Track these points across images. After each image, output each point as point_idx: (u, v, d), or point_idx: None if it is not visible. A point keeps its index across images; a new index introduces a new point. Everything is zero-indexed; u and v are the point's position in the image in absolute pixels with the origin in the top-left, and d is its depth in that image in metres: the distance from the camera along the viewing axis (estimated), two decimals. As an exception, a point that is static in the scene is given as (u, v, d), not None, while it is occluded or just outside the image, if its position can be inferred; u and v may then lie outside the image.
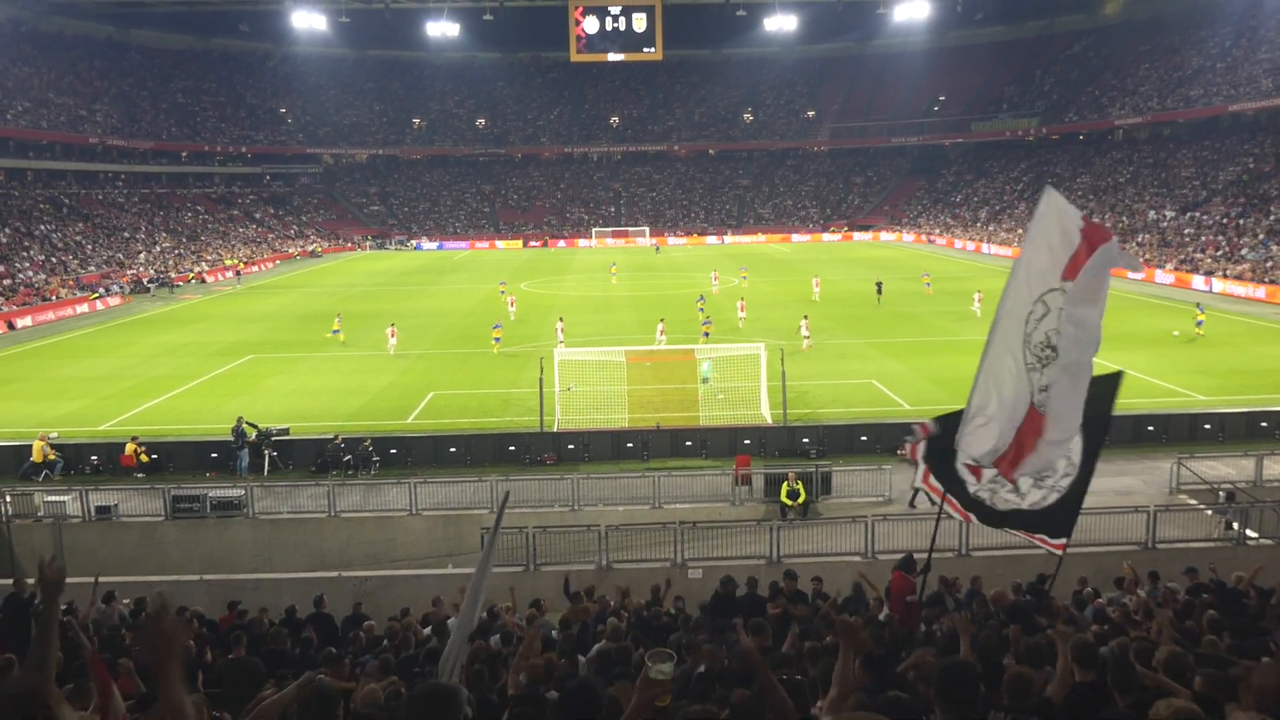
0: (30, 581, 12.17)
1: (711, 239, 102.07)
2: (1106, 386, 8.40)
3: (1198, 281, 55.11)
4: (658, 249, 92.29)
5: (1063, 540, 8.65)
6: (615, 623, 10.92)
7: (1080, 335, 7.15)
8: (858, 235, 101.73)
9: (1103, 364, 7.49)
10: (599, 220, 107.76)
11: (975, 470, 8.74)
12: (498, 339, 39.23)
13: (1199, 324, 39.23)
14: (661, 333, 37.80)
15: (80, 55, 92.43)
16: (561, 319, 40.36)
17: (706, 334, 38.51)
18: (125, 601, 13.98)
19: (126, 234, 77.61)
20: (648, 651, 4.51)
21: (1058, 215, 7.75)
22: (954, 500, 9.26)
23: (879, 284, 52.52)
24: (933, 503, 9.47)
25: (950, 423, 8.70)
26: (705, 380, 30.70)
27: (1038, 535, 8.80)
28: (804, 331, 37.88)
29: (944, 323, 44.45)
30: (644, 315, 45.74)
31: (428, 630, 12.00)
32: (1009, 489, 8.63)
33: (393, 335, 39.44)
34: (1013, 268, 7.64)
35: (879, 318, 46.33)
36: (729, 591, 12.64)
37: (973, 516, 9.29)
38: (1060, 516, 8.58)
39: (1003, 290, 7.56)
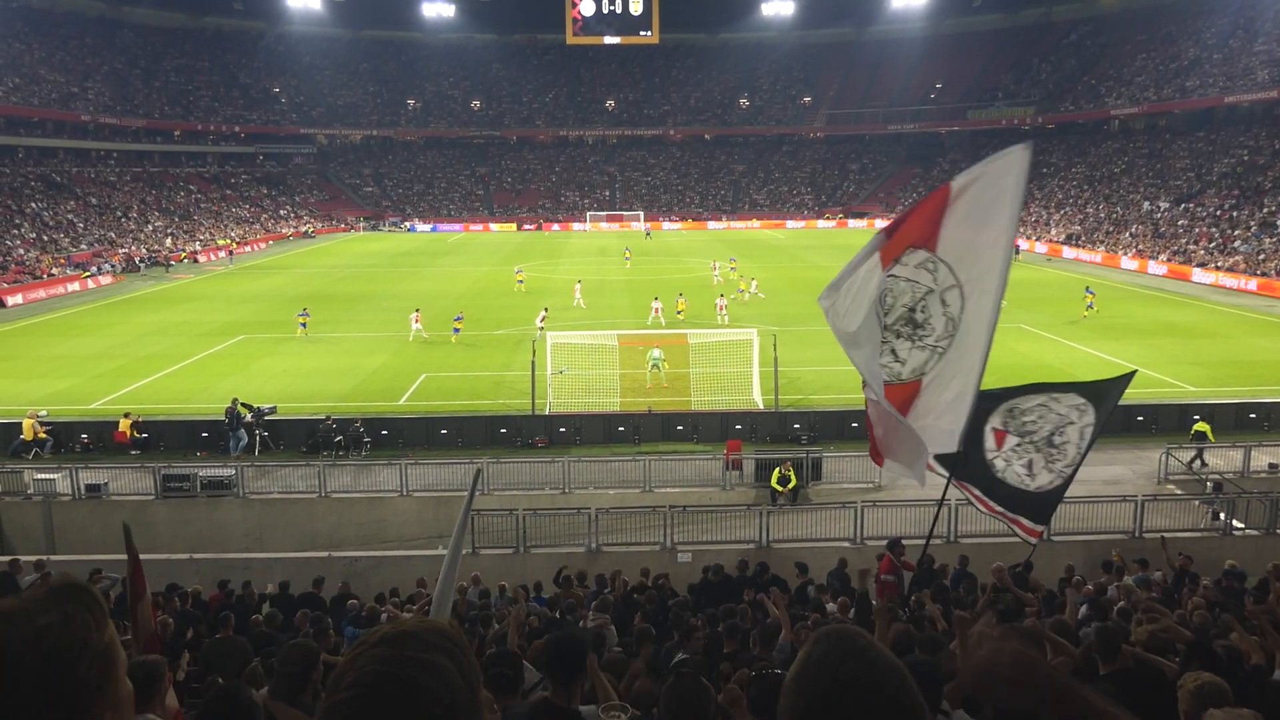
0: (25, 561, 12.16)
1: (713, 224, 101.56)
2: (1121, 383, 8.41)
3: (1198, 275, 55.14)
4: (649, 233, 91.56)
5: (1041, 528, 8.60)
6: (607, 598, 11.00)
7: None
8: (853, 222, 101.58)
9: (1118, 363, 7.47)
10: (593, 204, 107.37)
11: (1000, 436, 8.48)
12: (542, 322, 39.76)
13: (1090, 306, 42.40)
14: (658, 312, 38.85)
15: (71, 32, 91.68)
16: (657, 299, 40.88)
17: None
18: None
19: (119, 212, 77.23)
20: (600, 706, 4.52)
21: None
22: (970, 487, 8.93)
23: None
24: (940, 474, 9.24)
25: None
26: (654, 366, 30.50)
27: (1019, 519, 8.70)
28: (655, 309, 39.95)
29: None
30: (636, 299, 45.72)
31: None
32: (1023, 463, 8.46)
33: (416, 321, 38.50)
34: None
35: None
36: (716, 579, 12.72)
37: (988, 501, 9.03)
38: (1051, 502, 8.53)
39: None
